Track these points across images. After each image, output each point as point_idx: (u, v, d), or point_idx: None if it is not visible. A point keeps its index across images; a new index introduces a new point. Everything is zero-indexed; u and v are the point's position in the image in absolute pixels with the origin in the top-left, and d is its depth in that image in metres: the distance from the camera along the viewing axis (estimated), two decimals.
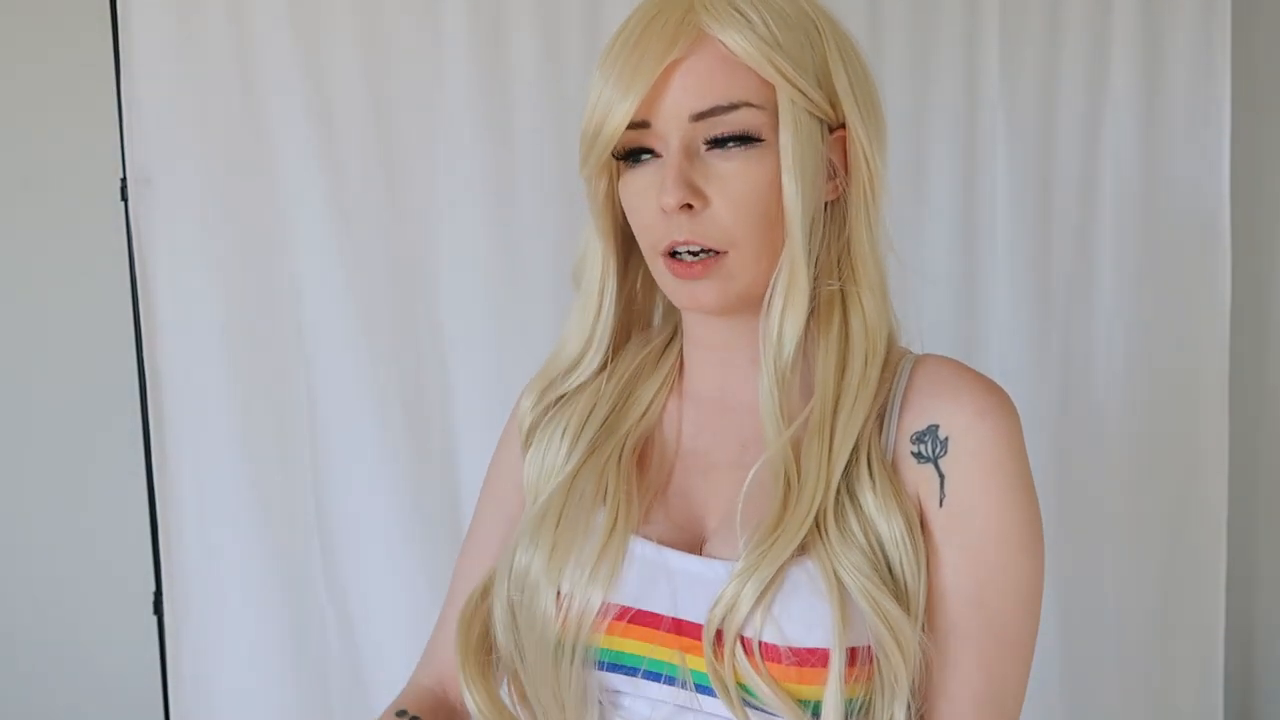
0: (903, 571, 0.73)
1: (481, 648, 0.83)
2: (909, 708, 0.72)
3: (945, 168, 1.65)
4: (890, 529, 0.73)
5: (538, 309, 1.52)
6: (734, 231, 0.74)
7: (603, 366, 0.86)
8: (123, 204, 1.49)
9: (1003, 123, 1.65)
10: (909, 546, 0.73)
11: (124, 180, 1.48)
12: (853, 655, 0.71)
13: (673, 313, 0.89)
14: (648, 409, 0.85)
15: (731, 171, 0.74)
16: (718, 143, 0.74)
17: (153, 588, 1.54)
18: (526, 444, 0.88)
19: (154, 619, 1.55)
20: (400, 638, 1.53)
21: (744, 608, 0.71)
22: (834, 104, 0.76)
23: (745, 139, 0.73)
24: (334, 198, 1.50)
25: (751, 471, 0.75)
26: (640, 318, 0.90)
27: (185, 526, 1.53)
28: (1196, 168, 1.72)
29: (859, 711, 0.73)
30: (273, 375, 1.53)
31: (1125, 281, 1.71)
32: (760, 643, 0.71)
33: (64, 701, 1.70)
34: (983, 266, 1.67)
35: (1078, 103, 1.68)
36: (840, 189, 0.79)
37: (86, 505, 1.68)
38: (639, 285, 0.88)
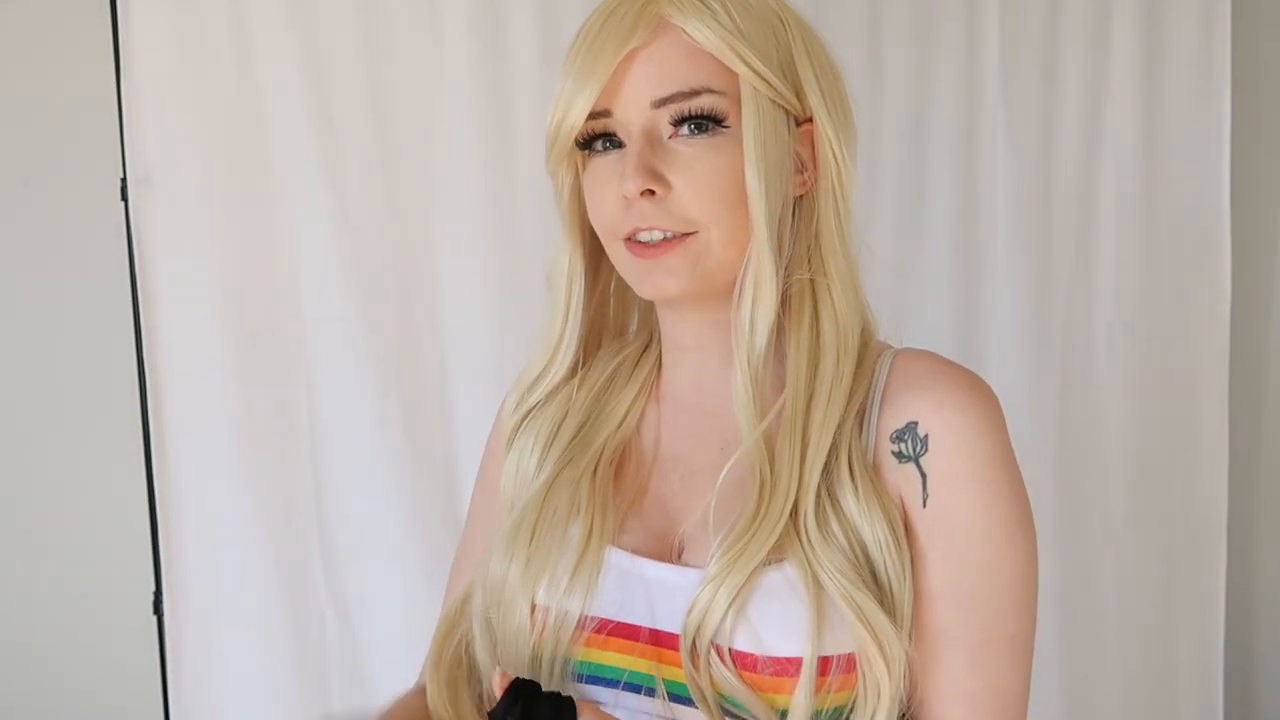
0: (887, 576, 0.71)
1: (455, 664, 0.82)
2: (891, 716, 0.70)
3: (945, 169, 1.65)
4: (873, 532, 0.71)
5: (538, 309, 1.50)
6: (700, 214, 0.73)
7: (573, 370, 0.85)
8: (123, 204, 1.48)
9: (1003, 124, 1.65)
10: (893, 550, 0.71)
11: (124, 180, 1.48)
12: (826, 663, 0.69)
13: (648, 319, 0.88)
14: (625, 417, 0.84)
15: (695, 156, 0.73)
16: (681, 125, 0.73)
17: (153, 588, 1.54)
18: (506, 452, 0.87)
19: (154, 619, 1.54)
20: (400, 637, 1.53)
21: (717, 615, 0.69)
22: (799, 96, 0.75)
23: (708, 122, 0.73)
24: (334, 197, 1.50)
25: (723, 471, 0.74)
26: (614, 325, 0.89)
27: (185, 526, 1.53)
28: (1196, 168, 1.72)
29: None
30: (273, 375, 1.53)
31: (1125, 282, 1.71)
32: (732, 650, 0.69)
33: (64, 701, 1.70)
34: (983, 267, 1.67)
35: (1078, 103, 1.68)
36: (809, 183, 0.78)
37: (87, 505, 1.67)
38: (611, 290, 0.87)
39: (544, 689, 0.68)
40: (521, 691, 0.66)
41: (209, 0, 1.47)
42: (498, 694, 0.66)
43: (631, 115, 0.73)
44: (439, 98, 1.51)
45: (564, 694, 0.68)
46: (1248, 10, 1.74)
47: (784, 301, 0.76)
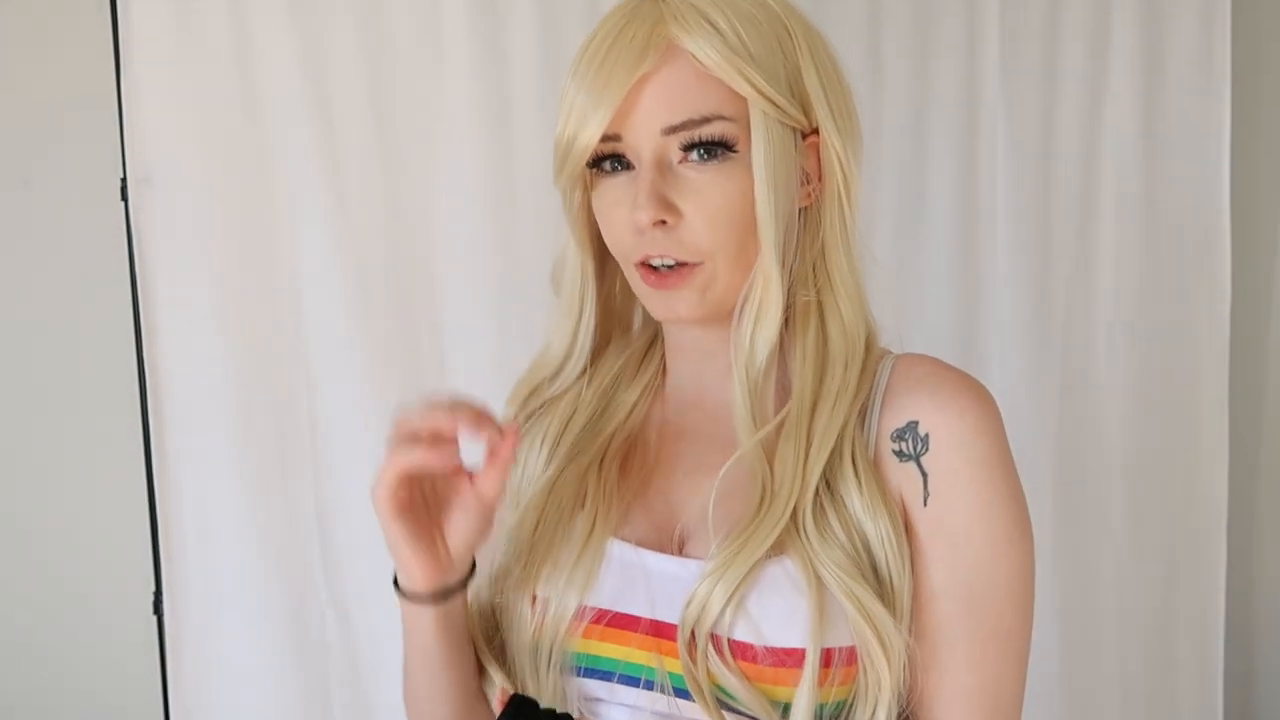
0: (888, 571, 0.72)
1: (492, 630, 0.83)
2: (891, 711, 0.71)
3: (945, 168, 1.65)
4: (877, 528, 0.72)
5: (537, 309, 1.51)
6: (709, 244, 0.74)
7: (584, 372, 0.86)
8: (123, 204, 1.48)
9: (1003, 123, 1.65)
10: (895, 546, 0.72)
11: (124, 180, 1.48)
12: (829, 655, 0.70)
13: (652, 317, 0.88)
14: (630, 413, 0.85)
15: (705, 184, 0.73)
16: (691, 152, 0.73)
17: (153, 588, 1.54)
18: None
19: (154, 619, 1.54)
20: (400, 637, 1.52)
21: (715, 607, 0.70)
22: (806, 110, 0.75)
23: (718, 148, 0.73)
24: (334, 197, 1.50)
25: (721, 471, 0.74)
26: (620, 322, 0.90)
27: (185, 527, 1.53)
28: (1196, 167, 1.72)
29: (843, 715, 0.72)
30: (273, 375, 1.53)
31: (1125, 282, 1.71)
32: (730, 641, 0.70)
33: (64, 701, 1.70)
34: (983, 268, 1.67)
35: (1078, 100, 1.68)
36: (813, 195, 0.78)
37: (87, 505, 1.67)
38: (617, 289, 0.88)
39: (541, 704, 0.68)
40: (521, 709, 0.66)
41: (209, 0, 1.47)
42: (497, 710, 0.66)
43: (642, 141, 0.74)
44: (439, 97, 1.51)
45: (562, 711, 0.67)
46: (1248, 9, 1.74)
47: (788, 317, 0.77)
